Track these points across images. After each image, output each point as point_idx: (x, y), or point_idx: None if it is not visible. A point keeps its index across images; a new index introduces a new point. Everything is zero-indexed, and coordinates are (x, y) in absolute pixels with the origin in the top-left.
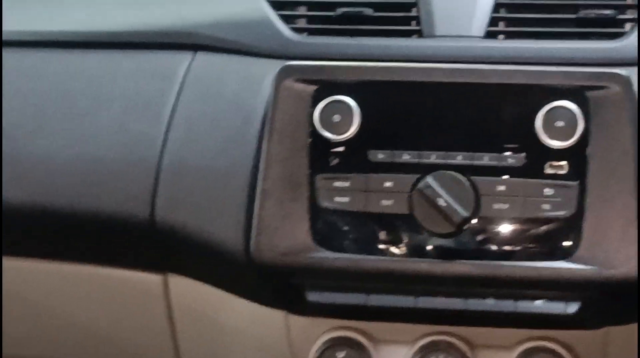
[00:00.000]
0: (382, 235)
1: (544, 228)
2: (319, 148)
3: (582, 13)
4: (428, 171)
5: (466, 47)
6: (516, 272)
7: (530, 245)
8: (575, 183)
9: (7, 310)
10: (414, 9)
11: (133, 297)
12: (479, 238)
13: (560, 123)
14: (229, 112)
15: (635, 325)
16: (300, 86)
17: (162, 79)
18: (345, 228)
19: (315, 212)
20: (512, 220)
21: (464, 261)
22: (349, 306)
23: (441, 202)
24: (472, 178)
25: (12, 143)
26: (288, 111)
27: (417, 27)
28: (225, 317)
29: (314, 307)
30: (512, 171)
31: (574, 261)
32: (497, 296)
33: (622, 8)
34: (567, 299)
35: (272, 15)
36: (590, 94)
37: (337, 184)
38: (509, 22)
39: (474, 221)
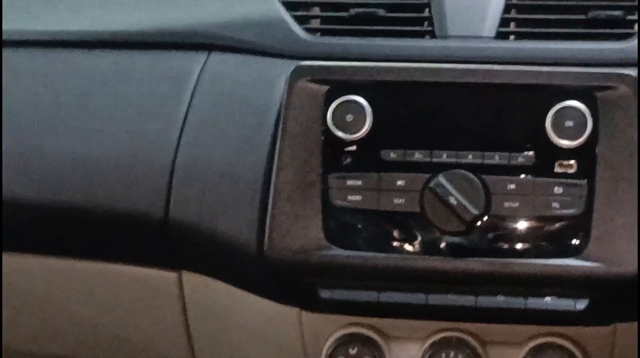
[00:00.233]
0: (394, 233)
1: (553, 226)
2: (332, 147)
3: (592, 14)
4: (439, 170)
5: (477, 48)
6: (526, 269)
7: (540, 243)
8: (584, 182)
9: (22, 307)
10: (426, 10)
11: (148, 294)
12: (490, 235)
13: (569, 123)
14: (243, 112)
15: None
16: (314, 86)
17: (176, 79)
18: (358, 226)
19: (328, 211)
20: (522, 218)
21: (475, 258)
22: (361, 303)
23: (452, 200)
24: (483, 176)
25: (28, 142)
26: (301, 110)
27: (429, 28)
28: (238, 313)
29: (327, 304)
30: (522, 170)
31: (582, 259)
32: (507, 293)
33: (632, 9)
34: (576, 296)
35: (286, 16)
36: (598, 94)
37: (350, 183)
38: (520, 22)
39: (485, 219)
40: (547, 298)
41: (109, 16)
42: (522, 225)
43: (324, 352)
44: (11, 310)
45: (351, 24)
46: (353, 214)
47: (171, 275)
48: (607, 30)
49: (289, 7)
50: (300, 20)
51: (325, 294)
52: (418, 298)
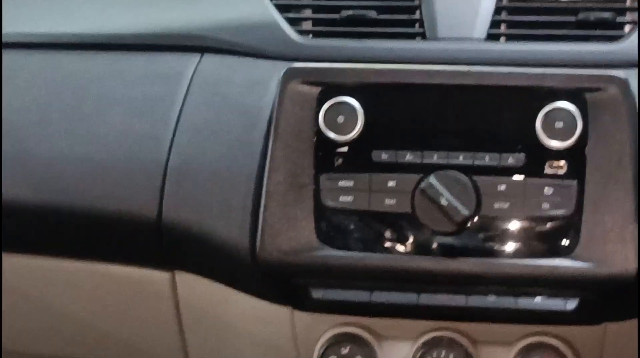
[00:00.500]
0: (386, 234)
1: (543, 226)
2: (324, 149)
3: (582, 16)
4: (430, 171)
5: (468, 50)
6: (516, 270)
7: (530, 243)
8: (574, 183)
9: (15, 307)
10: (417, 12)
11: (141, 294)
12: (480, 236)
13: (559, 124)
14: (235, 114)
15: (633, 321)
16: (306, 88)
17: (169, 81)
18: (349, 226)
19: (320, 211)
20: (513, 219)
21: (466, 259)
22: (353, 303)
23: (443, 201)
24: (474, 177)
25: (22, 143)
26: (293, 112)
27: (420, 30)
28: (231, 313)
29: (319, 304)
30: (513, 171)
31: (572, 259)
32: (498, 293)
33: (621, 11)
34: (566, 296)
35: (278, 18)
36: (588, 95)
37: (342, 184)
38: (510, 24)
39: (475, 219)
40: (538, 298)
41: (103, 18)
42: (512, 225)
43: (316, 351)
44: (4, 309)
45: (343, 26)
46: (345, 215)
47: (164, 275)
48: (597, 32)
49: (281, 9)
50: (292, 22)
51: (317, 294)
52: (409, 297)
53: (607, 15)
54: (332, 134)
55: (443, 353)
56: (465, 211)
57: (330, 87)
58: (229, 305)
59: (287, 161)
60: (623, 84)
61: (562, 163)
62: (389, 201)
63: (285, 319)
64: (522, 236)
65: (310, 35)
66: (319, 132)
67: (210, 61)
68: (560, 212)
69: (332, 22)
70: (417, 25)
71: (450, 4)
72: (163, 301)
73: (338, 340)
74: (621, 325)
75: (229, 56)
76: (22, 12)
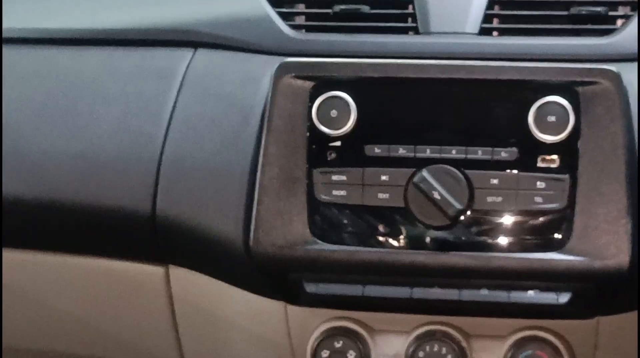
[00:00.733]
0: (379, 228)
1: (536, 220)
2: (317, 143)
3: (574, 10)
4: (423, 165)
5: (461, 44)
6: (509, 263)
7: (523, 237)
8: (566, 176)
9: (8, 302)
10: (410, 7)
11: (135, 289)
12: (473, 230)
13: (551, 118)
14: (228, 109)
15: (626, 315)
16: (298, 82)
17: (162, 76)
18: (343, 221)
19: (313, 206)
20: (505, 213)
21: (459, 253)
22: (346, 297)
23: (436, 195)
24: (466, 171)
25: (15, 139)
26: (286, 106)
27: (413, 24)
28: (225, 307)
29: (312, 298)
30: (505, 165)
31: (565, 253)
32: (491, 287)
33: (614, 5)
34: (559, 290)
35: (271, 13)
36: (580, 89)
37: (335, 178)
38: (503, 19)
39: (468, 213)
40: (530, 292)
41: (95, 14)
42: (505, 219)
43: (310, 345)
44: None
45: (336, 20)
46: (338, 209)
47: (158, 270)
48: (590, 26)
49: (274, 4)
50: (286, 17)
51: (310, 288)
52: (402, 291)
53: (599, 9)
54: (325, 129)
55: (436, 347)
56: (458, 205)
57: (323, 82)
58: (222, 299)
59: (280, 155)
60: (615, 77)
61: (555, 156)
62: (382, 196)
63: (278, 313)
64: (515, 230)
65: (304, 30)
66: (312, 127)
67: (204, 56)
68: (552, 206)
69: (325, 17)
70: (410, 19)
71: None
72: (157, 295)
73: (331, 334)
74: (614, 319)
75: (222, 51)
76: (15, 9)
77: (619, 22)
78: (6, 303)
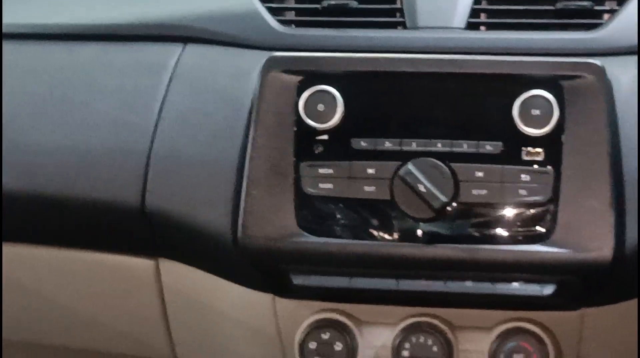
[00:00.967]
0: (365, 220)
1: (520, 212)
2: (304, 137)
3: (561, 4)
4: (409, 158)
5: (448, 39)
6: (493, 255)
7: (508, 229)
8: (551, 169)
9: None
10: (398, 1)
11: (125, 282)
12: (458, 222)
13: (536, 111)
14: (218, 103)
15: (611, 307)
16: (286, 77)
17: (152, 70)
18: (329, 213)
19: (301, 199)
20: (490, 205)
21: (444, 245)
22: (333, 289)
23: (421, 188)
24: (452, 164)
25: (7, 133)
26: (274, 100)
27: (401, 19)
28: (215, 300)
29: (300, 290)
30: (490, 158)
31: (549, 245)
32: (476, 279)
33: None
34: (543, 281)
35: (260, 8)
36: (565, 83)
37: (322, 171)
38: (490, 13)
39: (453, 206)
40: (515, 284)
41: (86, 9)
42: (490, 211)
43: (297, 337)
44: None
45: (324, 15)
46: (325, 202)
47: (148, 263)
48: (576, 21)
49: None
50: (275, 12)
51: (298, 280)
52: (389, 283)
53: (585, 3)
54: (312, 123)
55: (422, 338)
56: (443, 198)
57: (310, 76)
58: (212, 292)
59: (268, 149)
60: (599, 71)
61: (539, 150)
62: (368, 188)
63: (267, 306)
64: (500, 222)
65: (293, 25)
66: (299, 121)
67: (193, 50)
68: (537, 198)
69: (314, 12)
70: (397, 14)
71: None
72: (147, 288)
73: (319, 326)
74: (599, 311)
75: (212, 45)
76: (8, 4)
77: (606, 16)
78: None
